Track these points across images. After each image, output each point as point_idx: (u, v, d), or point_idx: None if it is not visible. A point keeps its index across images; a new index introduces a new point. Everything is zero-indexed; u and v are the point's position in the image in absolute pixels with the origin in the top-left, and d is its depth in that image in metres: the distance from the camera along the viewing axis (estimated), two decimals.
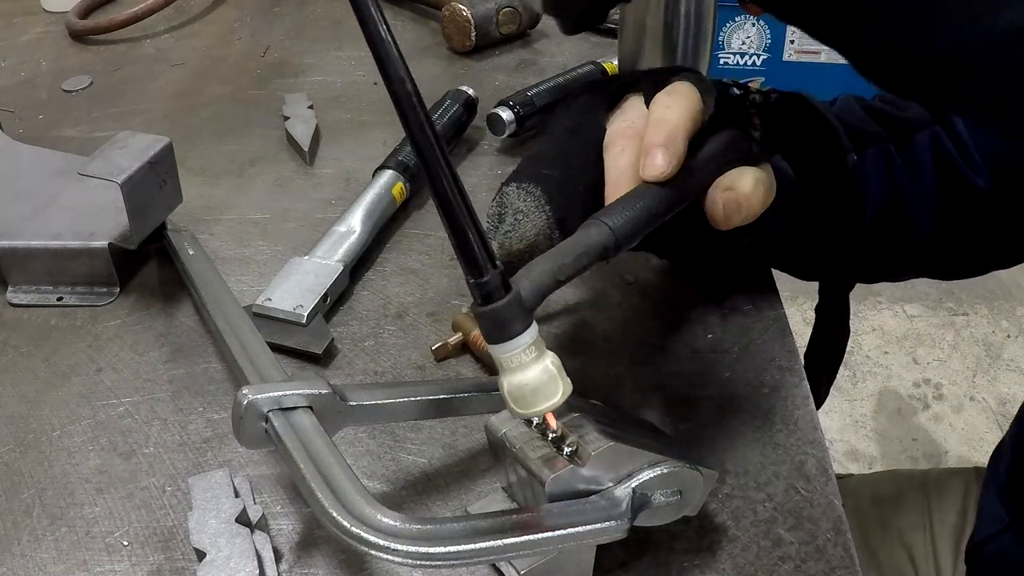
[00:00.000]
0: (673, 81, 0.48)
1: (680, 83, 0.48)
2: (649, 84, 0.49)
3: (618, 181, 0.47)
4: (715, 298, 0.67)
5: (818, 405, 0.62)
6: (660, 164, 0.45)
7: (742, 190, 0.47)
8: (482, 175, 0.83)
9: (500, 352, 0.41)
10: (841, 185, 0.59)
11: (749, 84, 0.51)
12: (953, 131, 0.68)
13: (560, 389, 0.42)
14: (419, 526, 0.41)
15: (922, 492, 0.88)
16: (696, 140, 0.48)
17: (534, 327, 0.41)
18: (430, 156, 0.38)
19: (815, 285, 0.70)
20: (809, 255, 0.65)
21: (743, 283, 0.68)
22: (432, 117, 0.81)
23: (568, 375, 0.41)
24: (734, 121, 0.50)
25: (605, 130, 0.50)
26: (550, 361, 0.42)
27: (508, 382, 0.41)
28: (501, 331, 0.40)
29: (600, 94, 0.52)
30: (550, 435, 0.45)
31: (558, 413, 0.45)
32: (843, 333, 0.66)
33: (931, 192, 0.67)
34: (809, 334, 0.71)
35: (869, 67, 0.41)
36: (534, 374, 0.41)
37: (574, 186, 0.47)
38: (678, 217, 0.48)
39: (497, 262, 0.40)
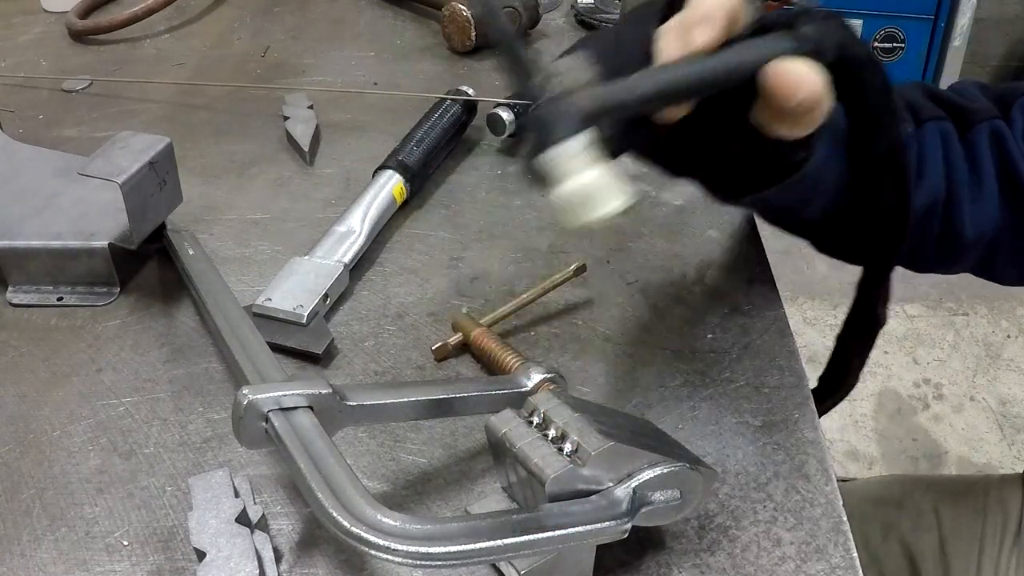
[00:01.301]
0: None
1: None
2: None
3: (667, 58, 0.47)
4: (715, 298, 0.67)
5: (848, 392, 0.62)
6: (697, 35, 0.45)
7: (800, 70, 0.46)
8: (482, 175, 0.83)
9: (550, 159, 0.39)
10: (892, 139, 0.57)
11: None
12: (1013, 129, 0.65)
13: (619, 194, 0.39)
14: (419, 526, 0.41)
15: (928, 496, 0.87)
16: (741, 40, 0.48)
17: (590, 134, 0.39)
18: None
19: (815, 285, 0.70)
20: (860, 225, 0.63)
21: (743, 283, 0.68)
22: (432, 118, 0.82)
23: (568, 375, 0.41)
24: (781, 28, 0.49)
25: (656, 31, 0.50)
26: (607, 168, 0.39)
27: (560, 190, 0.39)
28: (548, 134, 0.39)
29: (652, 7, 0.52)
30: (550, 435, 0.45)
31: (559, 414, 0.46)
32: (883, 310, 0.65)
33: (988, 186, 0.65)
34: (809, 334, 0.71)
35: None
36: (589, 177, 0.39)
37: (620, 57, 0.47)
38: (731, 121, 0.48)
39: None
